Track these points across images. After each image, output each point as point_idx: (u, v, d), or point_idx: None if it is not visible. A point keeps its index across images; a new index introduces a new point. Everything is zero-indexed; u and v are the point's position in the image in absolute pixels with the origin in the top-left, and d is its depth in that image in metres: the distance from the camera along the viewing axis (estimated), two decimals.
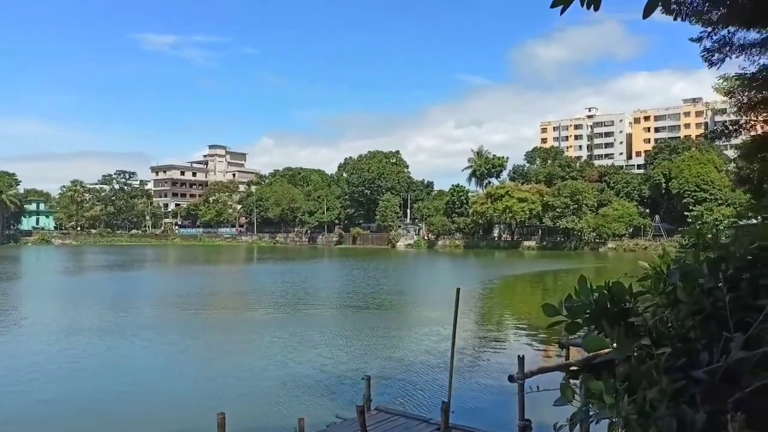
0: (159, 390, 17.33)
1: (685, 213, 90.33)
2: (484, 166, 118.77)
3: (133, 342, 23.99)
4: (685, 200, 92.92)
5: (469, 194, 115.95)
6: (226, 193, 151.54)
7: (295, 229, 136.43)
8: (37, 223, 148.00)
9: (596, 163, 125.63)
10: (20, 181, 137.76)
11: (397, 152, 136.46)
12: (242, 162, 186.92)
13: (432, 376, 17.63)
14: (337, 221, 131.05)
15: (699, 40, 12.81)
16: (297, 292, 41.74)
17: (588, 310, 2.02)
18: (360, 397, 11.72)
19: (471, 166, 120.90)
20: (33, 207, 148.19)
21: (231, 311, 34.56)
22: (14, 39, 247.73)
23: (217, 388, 16.82)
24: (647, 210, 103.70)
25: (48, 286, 48.55)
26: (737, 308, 1.85)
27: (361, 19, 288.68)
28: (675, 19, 11.87)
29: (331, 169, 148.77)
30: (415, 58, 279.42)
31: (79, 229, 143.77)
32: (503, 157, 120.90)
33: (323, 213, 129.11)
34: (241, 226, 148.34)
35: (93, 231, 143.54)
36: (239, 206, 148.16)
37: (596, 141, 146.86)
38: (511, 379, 7.80)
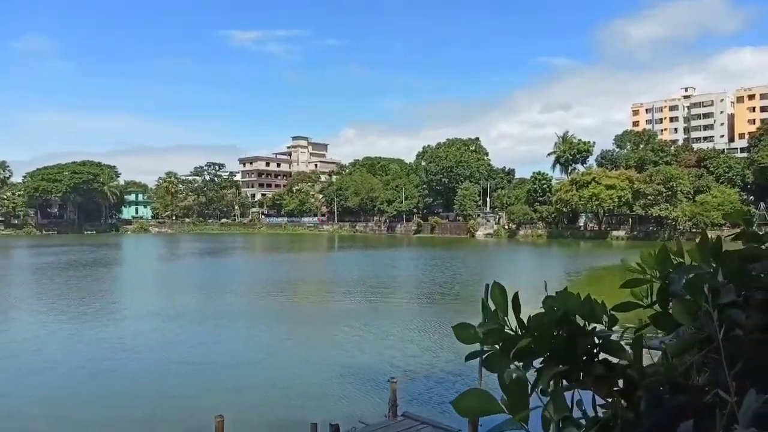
0: (165, 386, 17.38)
1: None
2: (569, 152, 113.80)
3: (202, 329, 24.87)
4: None
5: (553, 181, 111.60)
6: (309, 183, 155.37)
7: (374, 218, 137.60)
8: (136, 212, 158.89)
9: (694, 146, 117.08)
10: (120, 174, 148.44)
11: (477, 139, 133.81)
12: (324, 152, 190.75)
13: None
14: (415, 210, 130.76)
15: None
16: (374, 282, 41.88)
17: (522, 339, 1.42)
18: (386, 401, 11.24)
19: (555, 152, 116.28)
20: (132, 197, 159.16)
21: (310, 300, 35.22)
22: (110, 40, 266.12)
23: (254, 381, 16.96)
24: (751, 197, 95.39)
25: (146, 273, 51.86)
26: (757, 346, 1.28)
27: (442, 5, 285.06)
28: None
29: (411, 158, 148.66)
30: (498, 42, 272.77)
31: (174, 218, 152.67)
32: (589, 142, 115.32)
33: (401, 202, 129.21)
34: (323, 215, 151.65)
35: (186, 220, 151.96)
36: (321, 196, 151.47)
37: (693, 123, 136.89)
38: None
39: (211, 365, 18.68)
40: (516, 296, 1.46)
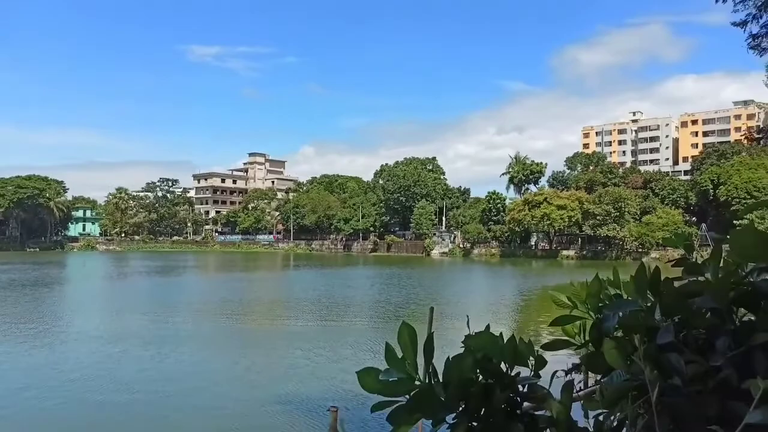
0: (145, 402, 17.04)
1: (735, 221, 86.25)
2: (522, 172, 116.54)
3: (145, 354, 23.97)
4: (734, 207, 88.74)
5: (507, 201, 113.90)
6: (265, 200, 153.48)
7: (331, 237, 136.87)
8: (84, 229, 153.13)
9: (641, 169, 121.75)
10: (68, 189, 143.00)
11: (434, 159, 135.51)
12: (281, 170, 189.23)
13: None
14: (372, 229, 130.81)
15: (744, 24, 11.52)
16: (329, 302, 41.38)
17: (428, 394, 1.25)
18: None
19: (509, 172, 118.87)
20: (80, 214, 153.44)
21: (262, 321, 34.39)
22: (62, 50, 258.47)
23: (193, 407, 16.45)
24: (694, 218, 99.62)
25: (90, 293, 49.74)
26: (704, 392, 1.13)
27: (402, 28, 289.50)
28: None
29: (369, 176, 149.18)
30: (455, 64, 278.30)
31: (123, 235, 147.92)
32: (542, 163, 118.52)
33: (358, 220, 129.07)
34: (279, 233, 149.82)
35: (136, 237, 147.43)
36: (277, 213, 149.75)
37: (641, 146, 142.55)
38: None
39: (151, 394, 17.90)
40: (430, 339, 1.24)
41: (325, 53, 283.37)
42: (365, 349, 24.76)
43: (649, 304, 1.28)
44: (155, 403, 16.90)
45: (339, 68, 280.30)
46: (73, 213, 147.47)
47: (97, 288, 54.20)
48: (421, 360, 1.23)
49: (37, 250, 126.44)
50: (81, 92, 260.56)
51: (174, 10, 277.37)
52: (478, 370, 1.26)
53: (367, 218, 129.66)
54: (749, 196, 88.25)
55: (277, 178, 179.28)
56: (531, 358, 1.36)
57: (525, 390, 1.30)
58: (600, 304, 1.46)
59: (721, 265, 1.26)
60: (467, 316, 1.59)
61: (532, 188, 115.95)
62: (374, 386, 1.24)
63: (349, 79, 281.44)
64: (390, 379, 1.22)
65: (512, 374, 1.29)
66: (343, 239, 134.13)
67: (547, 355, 1.39)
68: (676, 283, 1.33)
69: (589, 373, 1.46)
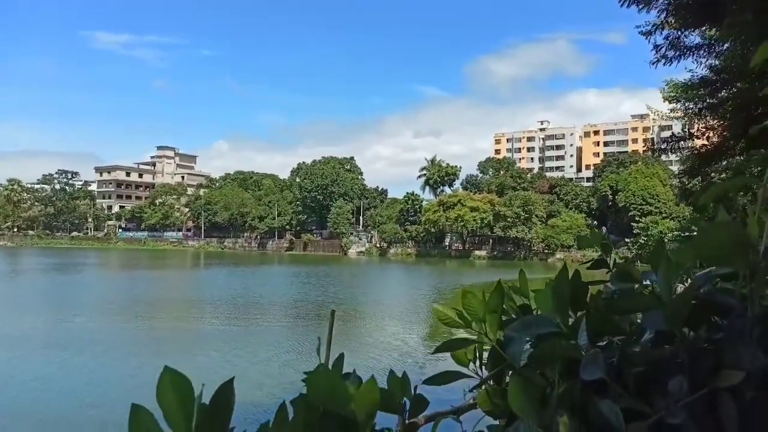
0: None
1: (632, 224, 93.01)
2: (438, 174, 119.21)
3: (38, 360, 22.05)
4: (631, 213, 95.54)
5: (423, 203, 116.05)
6: (174, 196, 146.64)
7: (245, 235, 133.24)
8: None
9: (547, 175, 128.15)
10: None
11: (352, 158, 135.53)
12: (192, 165, 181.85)
13: None
14: (288, 227, 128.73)
15: (648, 34, 12.18)
16: (245, 301, 40.04)
17: None
18: None
19: (425, 174, 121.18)
20: None
21: (174, 322, 32.64)
22: None
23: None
24: (595, 222, 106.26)
25: None
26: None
27: (320, 29, 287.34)
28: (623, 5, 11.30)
29: (286, 174, 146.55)
30: (374, 67, 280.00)
31: (15, 230, 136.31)
32: (456, 166, 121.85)
33: (274, 218, 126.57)
34: (188, 230, 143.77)
35: (30, 232, 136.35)
36: (187, 210, 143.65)
37: (548, 153, 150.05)
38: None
39: (42, 405, 16.34)
40: (224, 392, 0.88)
41: (242, 49, 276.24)
42: (287, 349, 24.12)
43: (569, 323, 0.95)
44: (44, 417, 15.49)
45: (256, 65, 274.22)
46: None
47: None
48: None
49: None
50: None
51: None
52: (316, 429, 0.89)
53: (283, 216, 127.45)
54: (644, 203, 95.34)
55: (188, 173, 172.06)
56: (406, 400, 1.02)
57: None
58: (503, 318, 1.10)
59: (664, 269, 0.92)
60: (318, 339, 1.18)
61: (447, 190, 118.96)
62: None
63: (266, 76, 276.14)
64: None
65: (369, 428, 0.90)
66: (258, 237, 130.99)
67: (435, 391, 1.07)
68: (604, 293, 1.04)
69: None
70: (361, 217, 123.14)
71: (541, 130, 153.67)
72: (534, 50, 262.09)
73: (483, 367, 1.11)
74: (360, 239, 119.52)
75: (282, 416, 0.87)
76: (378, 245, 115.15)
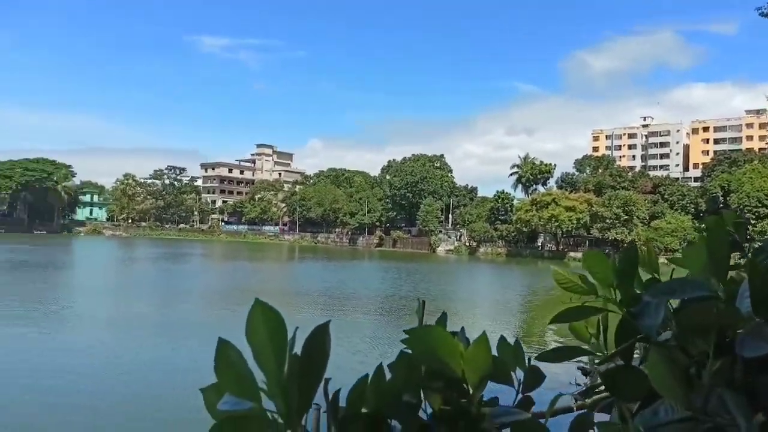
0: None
1: (746, 228, 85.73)
2: (530, 173, 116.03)
3: (152, 342, 23.88)
4: (745, 215, 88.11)
5: (514, 201, 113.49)
6: (272, 192, 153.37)
7: (336, 230, 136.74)
8: (91, 214, 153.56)
9: (650, 173, 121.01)
10: (76, 174, 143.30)
11: (442, 156, 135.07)
12: (289, 162, 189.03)
13: None
14: (378, 224, 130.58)
15: None
16: (338, 293, 41.24)
17: None
18: None
19: (517, 172, 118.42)
20: (87, 198, 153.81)
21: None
22: (74, 35, 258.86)
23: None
24: (703, 225, 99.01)
25: (97, 277, 49.77)
26: None
27: (412, 27, 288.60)
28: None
29: (376, 172, 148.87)
30: (465, 64, 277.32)
31: (129, 221, 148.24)
32: (550, 164, 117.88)
33: (364, 215, 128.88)
34: (284, 224, 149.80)
35: (143, 224, 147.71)
36: (283, 205, 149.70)
37: (651, 151, 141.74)
38: None
39: (146, 387, 17.77)
40: (319, 335, 0.78)
41: (335, 50, 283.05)
42: (383, 342, 24.54)
43: (720, 289, 0.76)
44: (166, 393, 16.79)
45: (348, 65, 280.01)
46: (80, 197, 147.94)
47: (105, 273, 54.26)
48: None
49: (44, 233, 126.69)
50: (90, 79, 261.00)
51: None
52: (421, 393, 0.79)
53: (373, 213, 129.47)
54: (761, 204, 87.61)
55: (284, 170, 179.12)
56: (518, 370, 0.90)
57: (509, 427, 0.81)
58: (634, 291, 0.90)
59: None
60: (419, 300, 1.10)
61: (540, 189, 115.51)
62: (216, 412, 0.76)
63: (357, 76, 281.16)
64: (235, 413, 0.70)
65: (479, 399, 0.78)
66: (349, 233, 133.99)
67: (549, 368, 0.94)
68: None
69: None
70: (450, 215, 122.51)
71: (644, 126, 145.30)
72: (634, 43, 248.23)
73: (606, 341, 0.97)
74: (449, 237, 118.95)
75: (380, 375, 0.80)
76: (467, 244, 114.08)
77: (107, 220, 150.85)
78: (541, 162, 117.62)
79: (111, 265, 62.68)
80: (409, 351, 0.80)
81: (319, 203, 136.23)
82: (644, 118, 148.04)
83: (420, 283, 51.21)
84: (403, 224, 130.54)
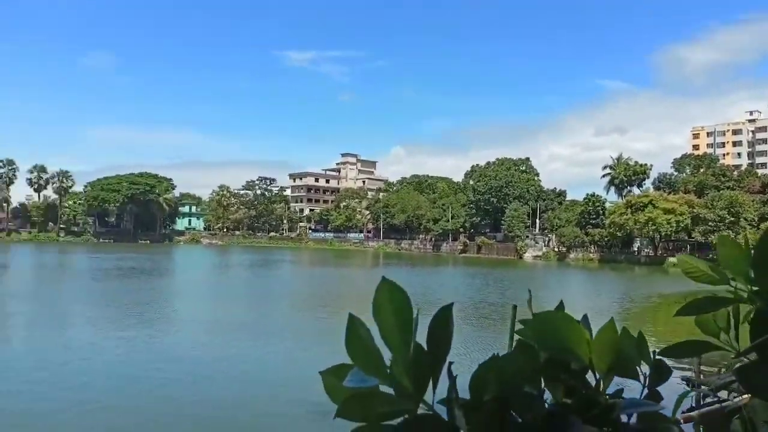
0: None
1: None
2: (624, 174, 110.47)
3: (253, 344, 24.77)
4: None
5: (607, 204, 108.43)
6: (356, 200, 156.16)
7: (420, 236, 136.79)
8: (189, 224, 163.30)
9: (759, 172, 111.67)
10: (175, 186, 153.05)
11: (527, 159, 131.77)
12: (372, 170, 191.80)
13: None
14: (461, 230, 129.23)
15: None
16: (423, 300, 41.11)
17: None
18: None
19: (609, 174, 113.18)
20: (186, 209, 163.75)
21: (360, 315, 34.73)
22: (170, 56, 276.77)
23: None
24: None
25: (199, 282, 52.81)
26: None
27: (491, 25, 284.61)
28: None
29: (459, 177, 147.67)
30: (550, 63, 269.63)
31: (224, 230, 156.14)
32: (646, 164, 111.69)
33: (448, 221, 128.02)
34: (369, 231, 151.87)
35: (237, 232, 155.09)
36: (367, 212, 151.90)
37: (759, 148, 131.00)
38: None
39: (233, 383, 18.44)
40: (444, 316, 0.78)
41: (415, 56, 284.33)
42: (478, 347, 24.15)
43: None
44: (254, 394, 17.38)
45: (428, 71, 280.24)
46: (179, 208, 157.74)
47: (206, 279, 57.48)
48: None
49: (148, 242, 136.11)
50: (186, 96, 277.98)
51: (268, 16, 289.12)
52: (541, 381, 0.75)
53: (457, 219, 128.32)
54: None
55: (368, 178, 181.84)
56: (644, 364, 0.83)
57: (633, 422, 0.75)
58: None
59: None
60: (529, 291, 1.11)
61: (635, 191, 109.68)
62: (339, 393, 0.74)
63: (438, 81, 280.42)
64: (360, 390, 0.70)
65: (604, 391, 0.73)
66: (432, 239, 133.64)
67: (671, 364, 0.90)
68: None
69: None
70: (537, 220, 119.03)
71: (750, 121, 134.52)
72: (736, 33, 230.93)
73: (738, 336, 0.89)
74: (536, 243, 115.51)
75: (497, 364, 0.77)
76: (556, 249, 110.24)
77: (204, 229, 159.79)
78: (636, 162, 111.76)
79: (211, 271, 66.26)
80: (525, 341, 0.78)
81: (403, 210, 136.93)
82: (750, 113, 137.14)
83: (508, 290, 50.02)
84: (488, 230, 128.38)
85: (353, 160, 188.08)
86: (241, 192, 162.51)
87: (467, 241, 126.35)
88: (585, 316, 0.85)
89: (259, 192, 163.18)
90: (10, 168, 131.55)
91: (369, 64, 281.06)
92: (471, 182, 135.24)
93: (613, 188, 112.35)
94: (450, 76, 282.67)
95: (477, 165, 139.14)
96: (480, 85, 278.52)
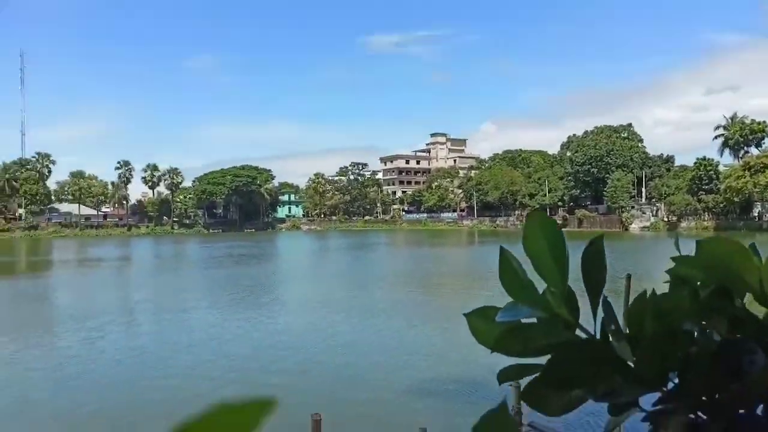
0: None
1: None
2: (740, 134, 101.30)
3: (361, 323, 25.52)
4: None
5: (721, 168, 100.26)
6: (447, 179, 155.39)
7: (516, 213, 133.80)
8: (289, 211, 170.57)
9: None
10: (275, 176, 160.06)
11: (629, 125, 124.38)
12: (462, 148, 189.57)
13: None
14: (560, 203, 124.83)
15: None
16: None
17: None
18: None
19: (722, 135, 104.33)
20: (285, 198, 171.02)
21: (461, 293, 34.89)
22: (265, 54, 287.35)
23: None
24: None
25: (306, 266, 55.35)
26: None
27: None
28: None
29: (554, 149, 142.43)
30: (648, 24, 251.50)
31: (322, 216, 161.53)
32: (765, 122, 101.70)
33: (545, 195, 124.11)
34: (462, 210, 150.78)
35: (333, 217, 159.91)
36: (459, 191, 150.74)
37: None
38: None
39: (340, 361, 19.13)
40: (596, 246, 0.67)
41: (501, 28, 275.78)
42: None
43: None
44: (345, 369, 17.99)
45: (515, 41, 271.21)
46: (279, 197, 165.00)
47: (311, 262, 60.15)
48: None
49: (253, 230, 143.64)
50: (281, 90, 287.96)
51: (347, 6, 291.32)
52: (704, 315, 0.69)
53: (554, 192, 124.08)
54: None
55: (459, 157, 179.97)
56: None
57: None
58: None
59: None
60: (676, 235, 1.00)
61: (753, 151, 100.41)
62: (488, 334, 0.71)
63: (526, 51, 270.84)
64: (515, 321, 0.66)
65: None
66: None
67: None
68: None
69: None
70: (643, 189, 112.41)
71: None
72: None
73: None
74: (643, 213, 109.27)
75: (651, 300, 0.71)
76: (665, 219, 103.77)
77: (303, 215, 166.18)
78: (753, 120, 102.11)
79: (313, 255, 69.11)
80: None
81: (496, 186, 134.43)
82: None
83: (617, 261, 47.95)
84: (589, 202, 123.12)
85: (443, 139, 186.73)
86: (336, 178, 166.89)
87: (566, 215, 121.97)
88: (753, 245, 0.77)
89: (352, 177, 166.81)
90: (126, 168, 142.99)
91: (456, 41, 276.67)
92: (568, 154, 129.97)
93: (727, 150, 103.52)
94: (543, 45, 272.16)
95: (574, 135, 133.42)
96: (574, 53, 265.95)
